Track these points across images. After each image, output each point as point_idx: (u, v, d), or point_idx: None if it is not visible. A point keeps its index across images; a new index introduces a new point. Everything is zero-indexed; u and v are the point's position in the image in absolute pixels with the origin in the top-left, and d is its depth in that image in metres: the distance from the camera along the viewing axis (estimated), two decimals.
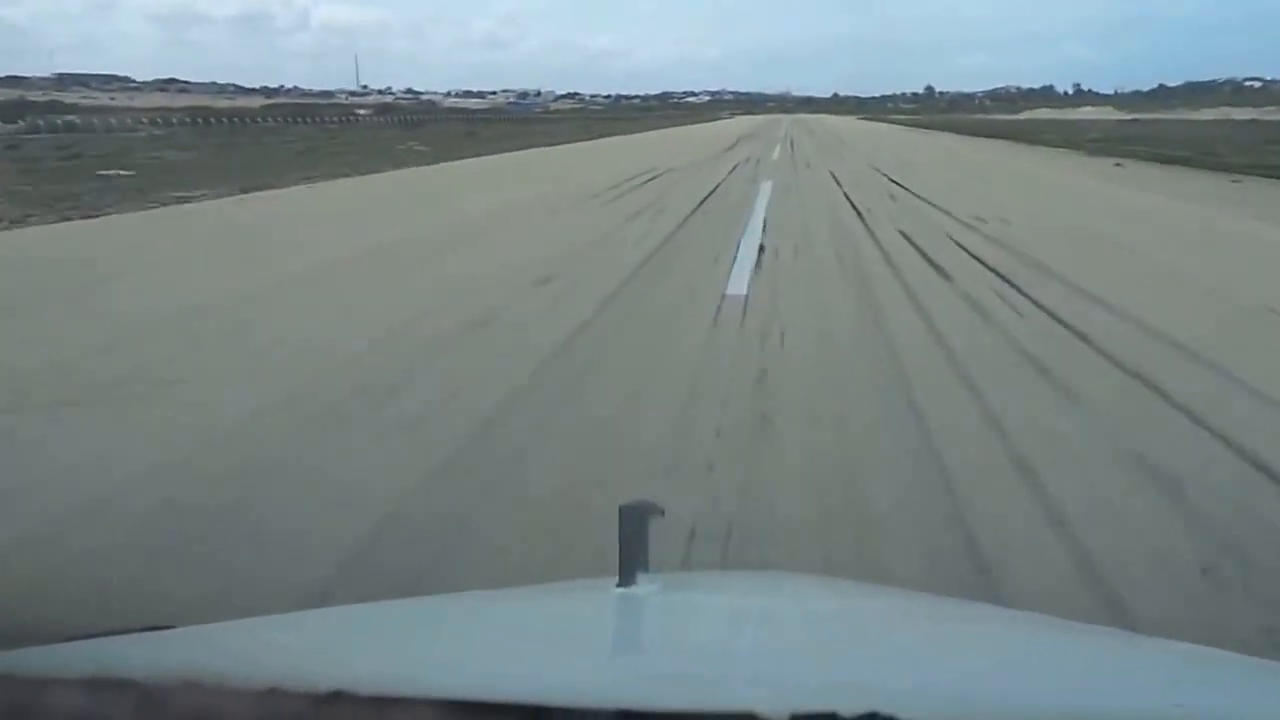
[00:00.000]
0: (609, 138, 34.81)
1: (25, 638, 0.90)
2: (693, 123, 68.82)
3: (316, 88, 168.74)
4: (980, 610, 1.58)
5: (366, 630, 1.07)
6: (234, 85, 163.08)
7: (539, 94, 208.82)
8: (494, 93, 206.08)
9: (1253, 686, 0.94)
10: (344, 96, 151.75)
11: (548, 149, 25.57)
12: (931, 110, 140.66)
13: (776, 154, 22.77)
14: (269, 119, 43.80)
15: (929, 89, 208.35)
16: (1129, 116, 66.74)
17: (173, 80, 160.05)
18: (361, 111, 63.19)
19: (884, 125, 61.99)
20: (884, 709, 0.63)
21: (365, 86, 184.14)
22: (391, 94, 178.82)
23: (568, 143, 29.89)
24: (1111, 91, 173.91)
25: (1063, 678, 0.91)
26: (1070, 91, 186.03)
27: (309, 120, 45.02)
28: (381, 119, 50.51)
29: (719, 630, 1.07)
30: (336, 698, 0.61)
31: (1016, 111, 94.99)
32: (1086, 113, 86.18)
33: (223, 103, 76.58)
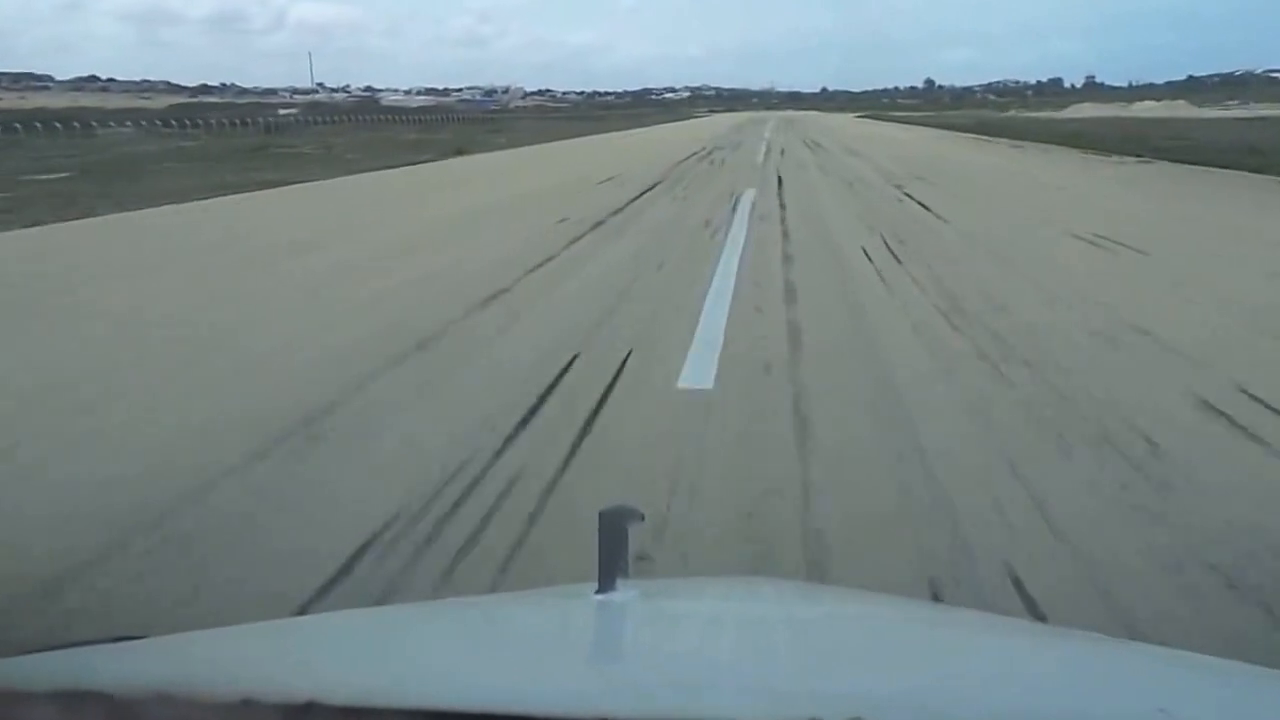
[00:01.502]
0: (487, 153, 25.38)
1: None
2: (658, 123, 63.66)
3: (265, 85, 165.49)
4: (963, 616, 1.56)
5: (342, 639, 1.08)
6: (166, 83, 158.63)
7: (506, 91, 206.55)
8: (460, 90, 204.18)
9: (1237, 691, 0.95)
10: (288, 95, 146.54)
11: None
12: (934, 106, 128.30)
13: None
14: (128, 123, 40.09)
15: (930, 82, 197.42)
16: (1222, 114, 53.98)
17: (93, 78, 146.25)
18: (283, 112, 59.97)
19: (894, 127, 48.74)
20: (867, 716, 0.65)
21: (320, 85, 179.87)
22: (346, 92, 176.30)
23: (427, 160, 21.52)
24: (1125, 84, 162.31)
25: (1046, 683, 0.93)
26: (1079, 85, 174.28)
27: (188, 123, 41.61)
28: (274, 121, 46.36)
29: (699, 637, 1.08)
30: (311, 709, 0.62)
31: (1060, 108, 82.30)
32: (1147, 109, 73.33)
33: (116, 103, 72.92)
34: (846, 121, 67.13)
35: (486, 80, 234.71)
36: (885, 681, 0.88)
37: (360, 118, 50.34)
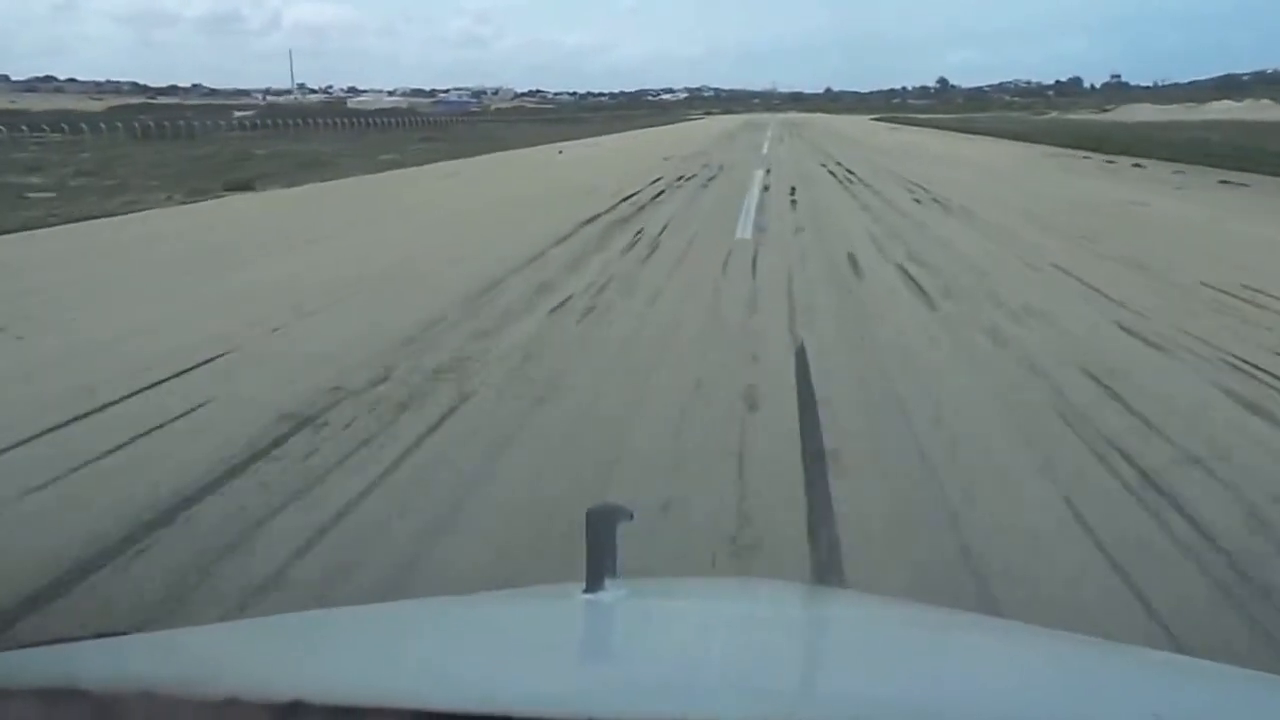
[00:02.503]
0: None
1: None
2: (641, 127, 60.36)
3: (243, 86, 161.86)
4: (957, 618, 1.57)
5: (328, 638, 1.08)
6: (132, 84, 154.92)
7: (496, 92, 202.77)
8: (446, 91, 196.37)
9: (1230, 695, 0.98)
10: (260, 97, 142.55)
11: None
12: (948, 107, 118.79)
13: None
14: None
15: (943, 82, 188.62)
16: None
17: (50, 78, 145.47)
18: (238, 114, 57.95)
19: (937, 137, 38.91)
20: (858, 719, 0.65)
21: (300, 85, 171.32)
22: (327, 93, 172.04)
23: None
24: (1151, 84, 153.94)
25: (1041, 687, 0.95)
26: (1097, 85, 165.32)
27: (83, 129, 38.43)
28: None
29: (688, 638, 1.09)
30: (296, 708, 0.62)
31: (1098, 109, 72.85)
32: (1224, 110, 63.40)
33: (60, 103, 71.74)
34: (867, 127, 57.04)
35: (479, 81, 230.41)
36: (875, 684, 0.88)
37: (306, 121, 47.48)
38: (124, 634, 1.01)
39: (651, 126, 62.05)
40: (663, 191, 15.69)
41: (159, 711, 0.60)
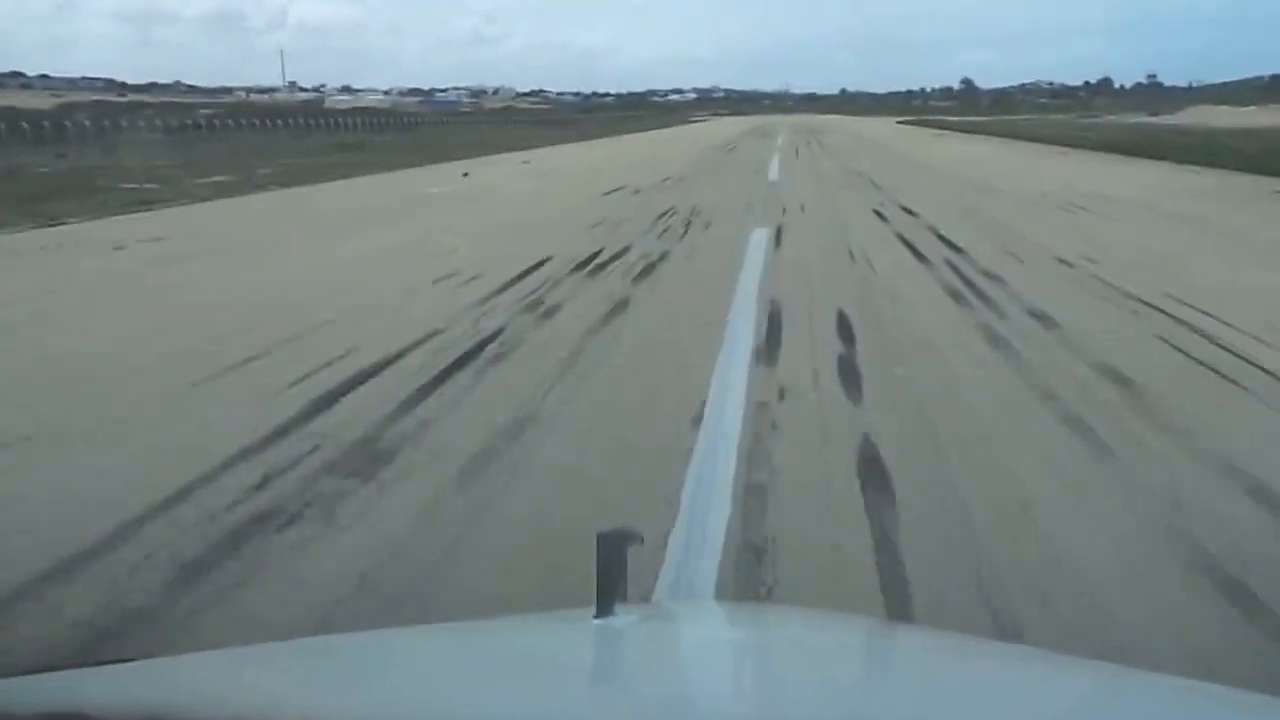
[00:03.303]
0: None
1: None
2: (635, 131, 55.11)
3: (237, 85, 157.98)
4: (960, 642, 1.57)
5: (335, 664, 1.08)
6: (107, 80, 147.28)
7: (497, 91, 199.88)
8: (444, 90, 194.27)
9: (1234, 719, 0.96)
10: (244, 94, 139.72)
11: None
12: (973, 109, 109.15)
13: None
14: None
15: (967, 83, 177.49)
16: None
17: (17, 74, 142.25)
18: (204, 112, 54.76)
19: (1018, 151, 29.40)
20: None
21: (293, 83, 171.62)
22: (319, 92, 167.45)
23: None
24: (1186, 84, 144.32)
25: (1044, 711, 0.94)
26: (1126, 86, 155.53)
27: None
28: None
29: (697, 663, 1.09)
30: None
31: (1151, 112, 63.48)
32: None
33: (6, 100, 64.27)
34: (900, 134, 46.64)
35: (483, 81, 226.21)
36: (886, 709, 0.87)
37: (261, 122, 45.31)
38: (129, 661, 1.01)
39: (643, 131, 54.11)
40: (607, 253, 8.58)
41: None
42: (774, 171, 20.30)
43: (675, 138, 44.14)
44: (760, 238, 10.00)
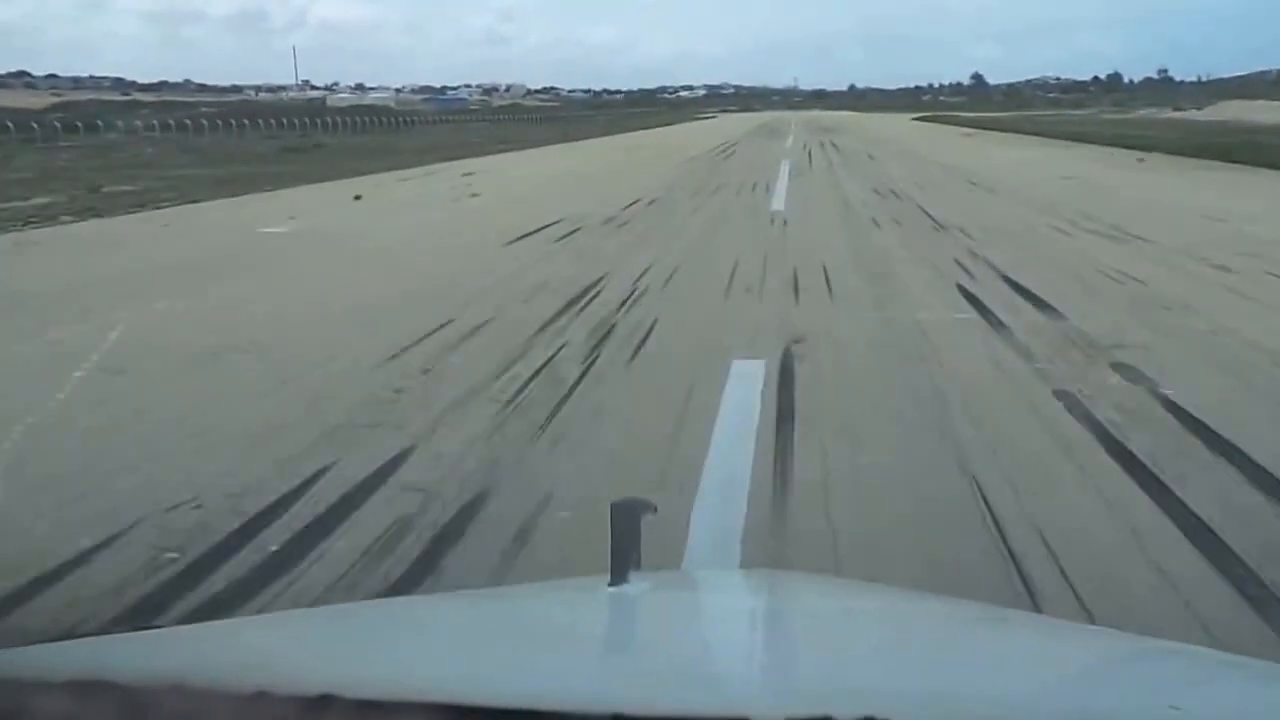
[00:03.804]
0: None
1: (7, 639, 0.84)
2: (634, 129, 49.86)
3: (249, 83, 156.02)
4: (977, 610, 1.48)
5: (356, 631, 1.06)
6: (116, 79, 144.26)
7: (509, 89, 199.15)
8: (455, 88, 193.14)
9: (1250, 689, 0.94)
10: (252, 93, 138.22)
11: None
12: (985, 105, 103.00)
13: None
14: None
15: (978, 78, 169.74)
16: None
17: (22, 73, 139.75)
18: (202, 112, 53.46)
19: (1053, 150, 23.23)
20: (880, 713, 0.64)
21: (305, 82, 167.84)
22: (331, 90, 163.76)
23: None
24: (1195, 79, 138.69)
25: (1060, 679, 0.93)
26: (1135, 81, 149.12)
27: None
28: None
29: (712, 630, 1.08)
30: (325, 701, 0.60)
31: (1178, 107, 57.60)
32: None
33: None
34: (928, 135, 39.54)
35: (496, 78, 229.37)
36: (899, 677, 0.86)
37: (250, 122, 43.36)
38: (155, 628, 0.96)
39: (641, 130, 50.09)
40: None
41: (189, 704, 0.59)
42: (780, 194, 14.39)
43: (668, 138, 38.90)
44: (744, 399, 4.25)
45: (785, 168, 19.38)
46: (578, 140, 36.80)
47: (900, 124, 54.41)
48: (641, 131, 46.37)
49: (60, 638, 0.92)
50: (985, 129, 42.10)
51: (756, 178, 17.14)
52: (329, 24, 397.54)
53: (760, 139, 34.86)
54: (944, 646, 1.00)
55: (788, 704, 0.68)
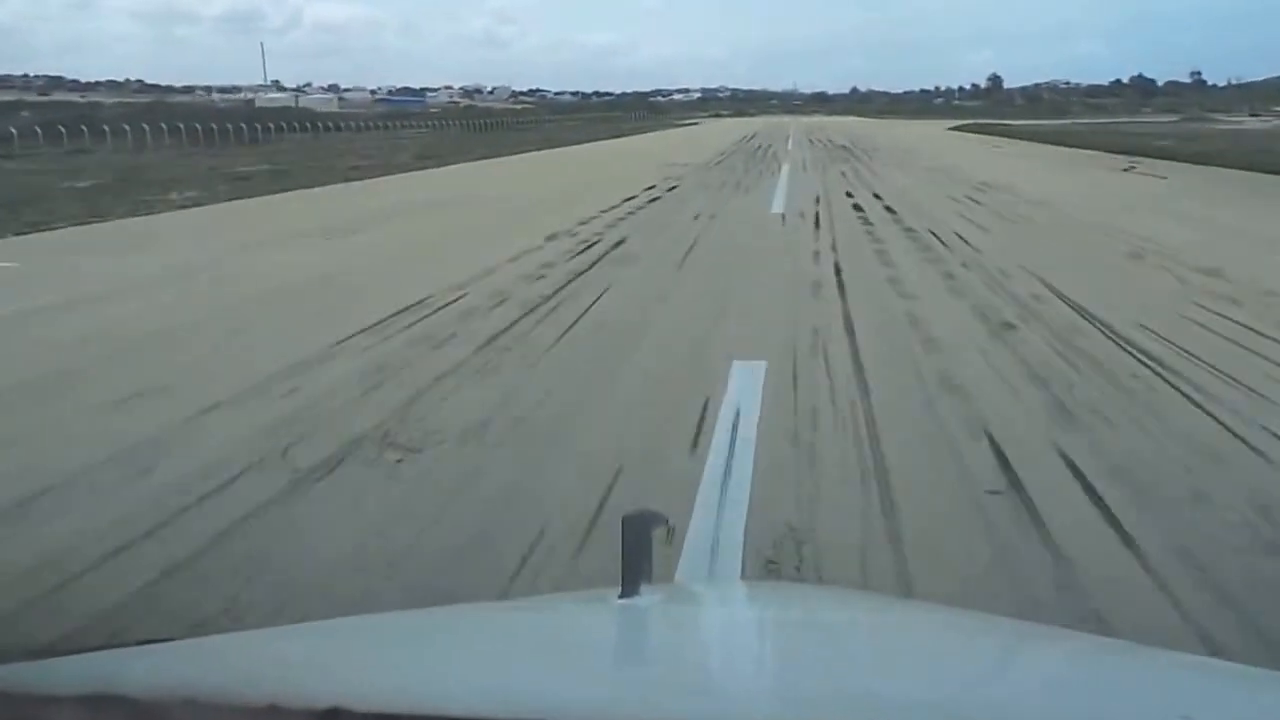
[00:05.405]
0: None
1: (21, 653, 0.86)
2: (588, 140, 41.46)
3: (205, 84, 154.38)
4: (982, 621, 1.48)
5: (367, 644, 1.06)
6: (53, 78, 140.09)
7: (492, 91, 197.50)
8: (435, 90, 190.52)
9: (1259, 699, 0.93)
10: (205, 94, 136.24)
11: None
12: (1009, 111, 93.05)
13: None
14: None
15: (995, 80, 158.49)
16: None
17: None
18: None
19: None
20: None
21: (275, 83, 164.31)
22: (303, 92, 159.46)
23: None
24: (1225, 83, 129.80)
25: (1068, 689, 0.91)
26: (1159, 84, 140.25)
27: None
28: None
29: (722, 643, 1.08)
30: (336, 714, 0.60)
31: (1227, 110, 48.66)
32: None
33: None
34: (1012, 167, 21.53)
35: (488, 80, 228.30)
36: (907, 688, 0.87)
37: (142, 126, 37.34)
38: (167, 640, 0.99)
39: (599, 140, 40.96)
40: None
41: (201, 716, 0.59)
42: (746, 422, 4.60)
43: (608, 158, 28.17)
44: None
45: (765, 296, 8.42)
46: (491, 158, 25.84)
47: (941, 137, 43.18)
48: (589, 144, 36.92)
49: (71, 651, 0.91)
50: (1065, 144, 30.54)
51: (693, 328, 6.24)
52: (328, 25, 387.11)
53: (740, 163, 22.97)
54: (950, 658, 1.01)
55: (796, 713, 0.71)
